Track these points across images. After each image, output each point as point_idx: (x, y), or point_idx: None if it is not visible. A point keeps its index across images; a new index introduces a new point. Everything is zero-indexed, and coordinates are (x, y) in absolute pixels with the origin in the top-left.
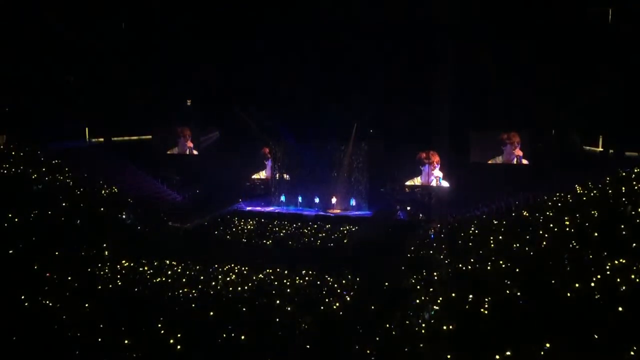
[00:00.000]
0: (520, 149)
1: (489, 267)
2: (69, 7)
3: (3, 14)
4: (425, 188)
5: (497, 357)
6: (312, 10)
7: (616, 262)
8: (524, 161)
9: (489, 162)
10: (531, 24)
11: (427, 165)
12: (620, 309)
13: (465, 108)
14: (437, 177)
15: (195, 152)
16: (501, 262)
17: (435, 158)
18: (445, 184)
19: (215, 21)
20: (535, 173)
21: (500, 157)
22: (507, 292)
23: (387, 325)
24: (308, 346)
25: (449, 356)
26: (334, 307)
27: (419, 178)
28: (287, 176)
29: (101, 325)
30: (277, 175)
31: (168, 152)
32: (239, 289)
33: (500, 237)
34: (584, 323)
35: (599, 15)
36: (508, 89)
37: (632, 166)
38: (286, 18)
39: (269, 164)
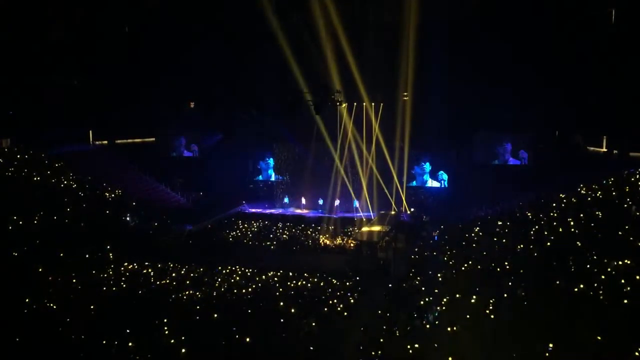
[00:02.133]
0: (517, 150)
1: (492, 268)
2: (73, 12)
3: (7, 19)
4: (420, 189)
5: (501, 356)
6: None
7: (620, 262)
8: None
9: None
10: (533, 23)
11: (417, 167)
12: (624, 309)
13: (468, 109)
14: (442, 180)
15: (185, 154)
16: (505, 263)
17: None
18: (436, 184)
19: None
20: (538, 174)
21: (495, 160)
22: (512, 292)
23: (392, 326)
24: (312, 347)
25: (453, 356)
26: (338, 308)
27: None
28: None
29: (105, 328)
30: (280, 177)
31: (173, 155)
32: (243, 290)
33: (504, 239)
34: (588, 323)
35: (602, 16)
36: (510, 90)
37: (636, 167)
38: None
39: (263, 166)
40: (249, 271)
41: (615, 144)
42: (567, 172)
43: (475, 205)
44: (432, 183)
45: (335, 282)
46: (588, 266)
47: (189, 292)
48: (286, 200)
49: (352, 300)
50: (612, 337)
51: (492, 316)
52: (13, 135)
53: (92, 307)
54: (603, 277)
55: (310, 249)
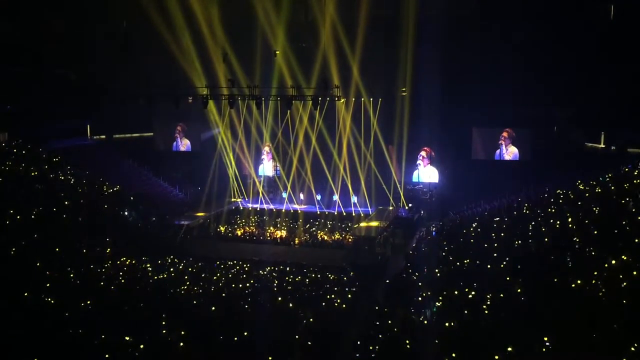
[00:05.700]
0: (513, 145)
1: (490, 264)
2: (70, 7)
3: (4, 12)
4: (418, 185)
5: (499, 353)
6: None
7: (618, 258)
8: (507, 157)
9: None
10: (533, 19)
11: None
12: (622, 305)
13: (466, 105)
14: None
15: (182, 149)
16: (504, 259)
17: (425, 154)
18: (430, 179)
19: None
20: (537, 170)
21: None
22: (509, 288)
23: (389, 322)
24: (310, 342)
25: (450, 352)
26: (336, 303)
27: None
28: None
29: (103, 322)
30: (280, 172)
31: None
32: (241, 285)
33: (502, 234)
34: (585, 319)
35: (601, 11)
36: (509, 86)
37: (634, 162)
38: None
39: (266, 160)
40: (246, 266)
41: (613, 140)
42: (565, 168)
43: (473, 201)
44: (430, 179)
45: (333, 277)
46: (586, 262)
47: (187, 287)
48: (284, 195)
49: (349, 296)
50: (610, 333)
51: (490, 312)
52: (10, 130)
53: (89, 302)
54: (599, 273)
55: (308, 244)
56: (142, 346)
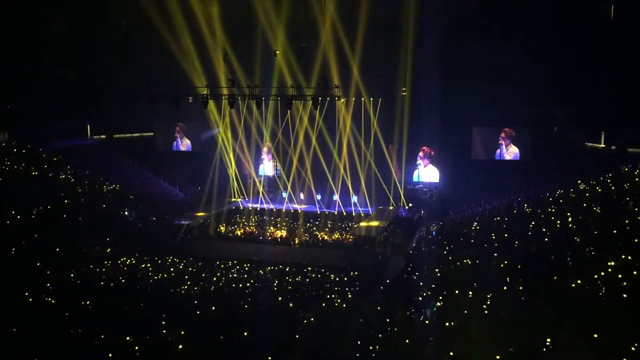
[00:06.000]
0: (513, 144)
1: (490, 264)
2: (70, 7)
3: (5, 14)
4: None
5: (499, 353)
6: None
7: (618, 258)
8: (507, 157)
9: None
10: (533, 19)
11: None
12: (622, 305)
13: (466, 104)
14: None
15: (182, 149)
16: (504, 259)
17: (423, 154)
18: (430, 179)
19: None
20: (537, 169)
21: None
22: (509, 288)
23: (389, 322)
24: (310, 342)
25: (450, 352)
26: (336, 303)
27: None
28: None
29: (103, 322)
30: (279, 172)
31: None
32: (241, 285)
33: (506, 234)
34: (586, 319)
35: (601, 11)
36: (509, 86)
37: (634, 162)
38: None
39: (266, 160)
40: (246, 266)
41: (613, 140)
42: (565, 168)
43: (473, 201)
44: (430, 179)
45: (333, 277)
46: (586, 262)
47: (187, 287)
48: (284, 194)
49: (349, 295)
50: (610, 333)
51: (490, 312)
52: (10, 130)
53: (89, 302)
54: (602, 273)
55: (308, 244)
56: (142, 346)
